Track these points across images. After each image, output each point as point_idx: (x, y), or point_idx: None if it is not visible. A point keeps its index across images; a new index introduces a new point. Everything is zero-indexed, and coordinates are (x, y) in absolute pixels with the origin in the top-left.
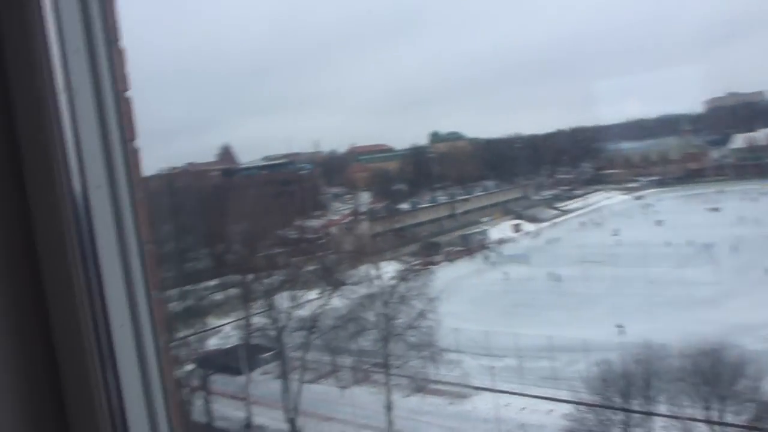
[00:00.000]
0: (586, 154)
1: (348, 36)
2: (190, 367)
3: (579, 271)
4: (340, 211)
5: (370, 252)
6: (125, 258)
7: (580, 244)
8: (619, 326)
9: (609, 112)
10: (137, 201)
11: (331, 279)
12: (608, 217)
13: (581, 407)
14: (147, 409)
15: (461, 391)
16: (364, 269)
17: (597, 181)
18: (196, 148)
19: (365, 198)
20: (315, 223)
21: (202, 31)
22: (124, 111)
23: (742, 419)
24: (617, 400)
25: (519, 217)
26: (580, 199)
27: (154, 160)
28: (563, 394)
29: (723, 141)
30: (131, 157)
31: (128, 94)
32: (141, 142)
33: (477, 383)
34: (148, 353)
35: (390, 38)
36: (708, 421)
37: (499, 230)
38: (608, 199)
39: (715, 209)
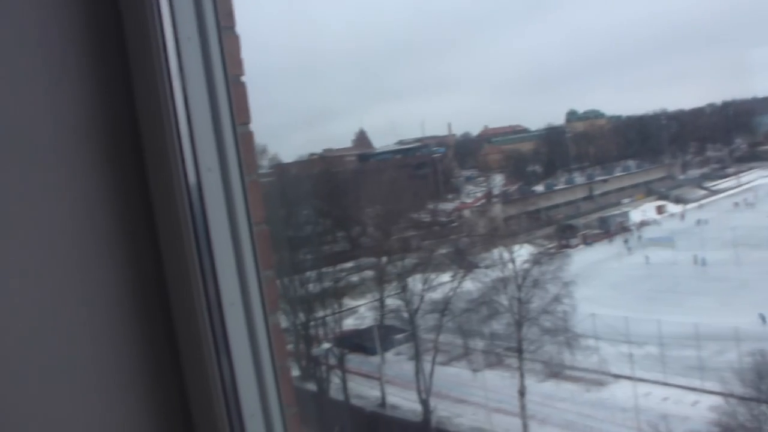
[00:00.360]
0: (740, 129)
1: (483, 15)
2: (326, 345)
3: (730, 255)
4: (472, 193)
5: (503, 235)
6: (236, 238)
7: (731, 226)
8: (762, 316)
9: (766, 83)
10: (249, 183)
11: (463, 262)
12: (764, 197)
13: (731, 400)
14: (257, 379)
15: (598, 378)
16: (497, 252)
17: (752, 158)
18: (333, 135)
19: (498, 180)
20: (448, 206)
21: (337, 16)
22: (237, 95)
23: None
24: None
25: (663, 197)
26: (732, 178)
27: (293, 148)
28: (710, 386)
29: None
30: (243, 140)
31: (242, 78)
32: (278, 130)
33: (615, 371)
34: (258, 330)
35: (525, 16)
36: None
37: (642, 212)
38: (765, 178)
39: None
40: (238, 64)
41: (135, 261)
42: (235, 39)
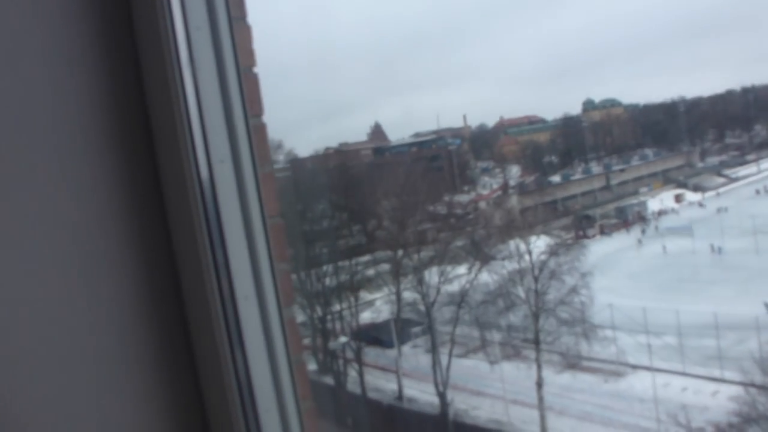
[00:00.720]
0: (760, 115)
1: (499, 5)
2: (343, 338)
3: (750, 243)
4: (489, 185)
5: (519, 226)
6: (249, 231)
7: (752, 214)
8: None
9: None
10: (262, 175)
11: (479, 254)
12: None
13: (752, 389)
14: (271, 374)
15: (616, 369)
16: (513, 244)
17: None
18: (348, 128)
19: (515, 171)
20: (464, 198)
21: (352, 8)
22: (249, 86)
23: None
24: None
25: (682, 186)
26: (752, 165)
27: (309, 142)
28: (730, 375)
29: None
30: (256, 132)
31: (254, 70)
32: (294, 125)
33: (633, 361)
34: (272, 324)
35: (542, 4)
36: None
37: (659, 201)
38: None
39: None
40: (250, 54)
41: (147, 254)
42: (246, 29)
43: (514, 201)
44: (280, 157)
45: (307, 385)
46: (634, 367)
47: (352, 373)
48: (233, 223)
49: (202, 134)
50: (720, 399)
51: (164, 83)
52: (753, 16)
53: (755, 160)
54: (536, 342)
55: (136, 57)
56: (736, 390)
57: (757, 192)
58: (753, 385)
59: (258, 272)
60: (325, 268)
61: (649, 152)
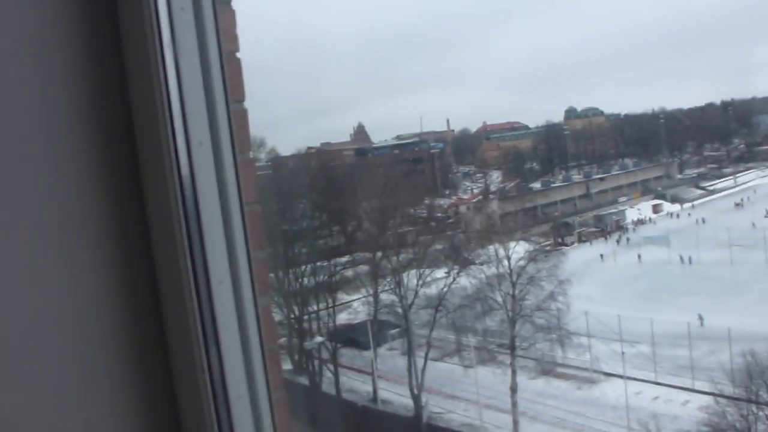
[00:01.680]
0: (739, 129)
1: (489, 12)
2: (319, 338)
3: (725, 254)
4: (470, 190)
5: (499, 231)
6: (227, 215)
7: (727, 226)
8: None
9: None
10: (242, 161)
11: (458, 258)
12: (762, 197)
13: (722, 400)
14: (244, 360)
15: (590, 376)
16: (492, 249)
17: (750, 158)
18: (332, 128)
19: (496, 177)
20: (444, 201)
21: (342, 10)
22: (231, 71)
23: None
24: (764, 395)
25: (660, 197)
26: (729, 178)
27: (292, 141)
28: (702, 385)
29: None
30: (237, 117)
31: (237, 55)
32: (278, 123)
33: (607, 369)
34: (247, 310)
35: (530, 14)
36: None
37: (638, 211)
38: (763, 178)
39: None
40: (234, 39)
41: (122, 233)
42: (230, 13)
43: (494, 206)
44: (262, 155)
45: (280, 375)
46: (608, 374)
47: (328, 373)
48: (210, 206)
49: (181, 115)
50: (690, 409)
51: (146, 62)
52: (732, 30)
53: (733, 174)
54: (512, 347)
55: (118, 36)
56: (707, 400)
57: (737, 205)
58: (723, 395)
59: (234, 257)
60: (303, 267)
61: (629, 162)
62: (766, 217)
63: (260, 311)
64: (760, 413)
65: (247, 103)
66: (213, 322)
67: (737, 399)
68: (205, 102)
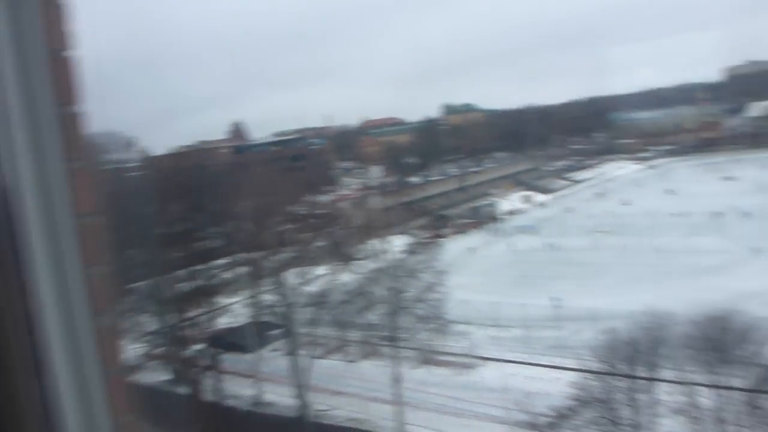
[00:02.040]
0: (600, 124)
1: (369, 8)
2: (199, 346)
3: (589, 241)
4: (350, 185)
5: (380, 226)
6: (53, 231)
7: (590, 214)
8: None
9: (625, 81)
10: (76, 170)
11: (340, 254)
12: (620, 187)
13: (587, 375)
14: (78, 392)
15: (468, 362)
16: (373, 243)
17: (610, 151)
18: (210, 126)
19: (376, 172)
20: (325, 198)
21: (224, 5)
22: (59, 71)
23: (746, 383)
24: (623, 368)
25: (530, 188)
26: (592, 169)
27: (165, 139)
28: (569, 363)
29: (740, 110)
30: (66, 121)
31: (66, 53)
32: (148, 121)
33: (484, 354)
34: (80, 333)
35: (412, 11)
36: (712, 386)
37: (510, 202)
38: (621, 169)
39: (730, 178)
40: (60, 36)
41: None
42: (55, 9)
43: (375, 201)
44: (132, 156)
45: (126, 398)
46: (485, 359)
47: (208, 381)
48: (33, 220)
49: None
50: (560, 385)
51: None
52: (596, 31)
53: (594, 165)
54: (394, 339)
55: None
56: (574, 376)
57: (595, 194)
58: (587, 371)
59: (63, 275)
60: (178, 273)
61: (502, 155)
62: (622, 205)
63: (100, 332)
64: (618, 384)
65: (110, 103)
66: (36, 350)
67: (599, 373)
68: (25, 106)
